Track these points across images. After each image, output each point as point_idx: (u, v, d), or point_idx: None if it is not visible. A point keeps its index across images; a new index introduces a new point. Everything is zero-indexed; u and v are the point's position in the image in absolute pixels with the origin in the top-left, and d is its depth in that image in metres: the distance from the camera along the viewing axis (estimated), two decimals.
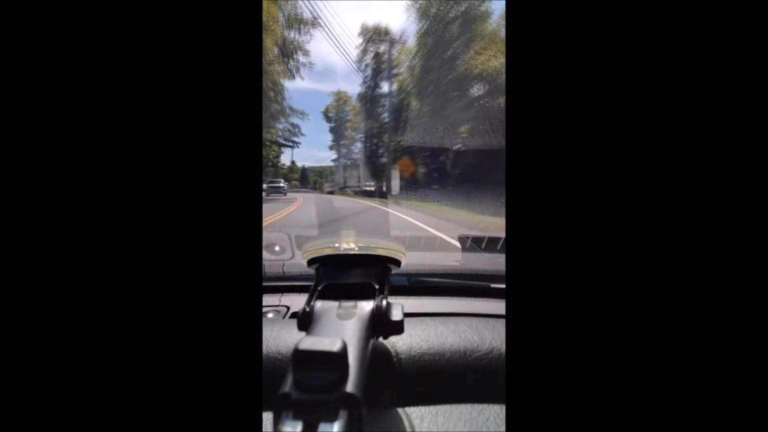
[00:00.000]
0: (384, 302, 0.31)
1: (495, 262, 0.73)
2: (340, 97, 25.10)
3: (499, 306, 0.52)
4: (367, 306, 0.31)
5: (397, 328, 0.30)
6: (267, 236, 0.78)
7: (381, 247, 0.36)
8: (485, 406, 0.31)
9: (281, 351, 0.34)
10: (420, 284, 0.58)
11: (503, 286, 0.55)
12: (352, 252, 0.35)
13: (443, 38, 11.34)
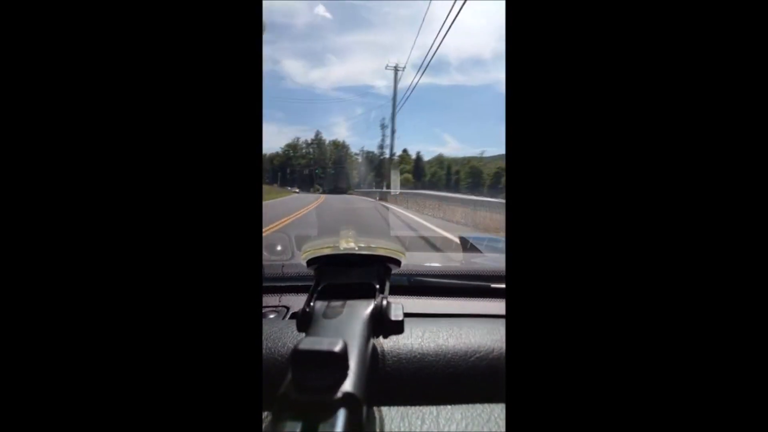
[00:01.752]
0: (384, 302, 0.31)
1: (495, 262, 0.72)
2: None
3: (499, 306, 0.51)
4: (367, 306, 0.31)
5: (397, 327, 0.30)
6: (267, 236, 0.78)
7: (381, 247, 0.36)
8: (486, 406, 0.31)
9: (281, 351, 0.34)
10: (420, 284, 0.58)
11: (503, 286, 0.55)
12: (351, 252, 0.35)
13: None
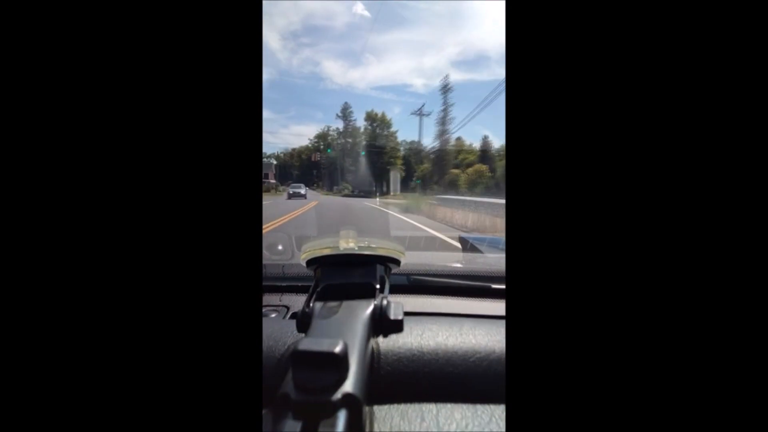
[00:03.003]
0: (384, 302, 0.31)
1: (496, 262, 0.72)
2: None
3: (499, 306, 0.51)
4: (366, 306, 0.31)
5: (397, 327, 0.30)
6: (267, 236, 0.77)
7: (380, 247, 0.36)
8: (485, 406, 0.31)
9: (281, 351, 0.34)
10: (420, 284, 0.57)
11: (503, 286, 0.55)
12: (351, 252, 0.35)
13: None
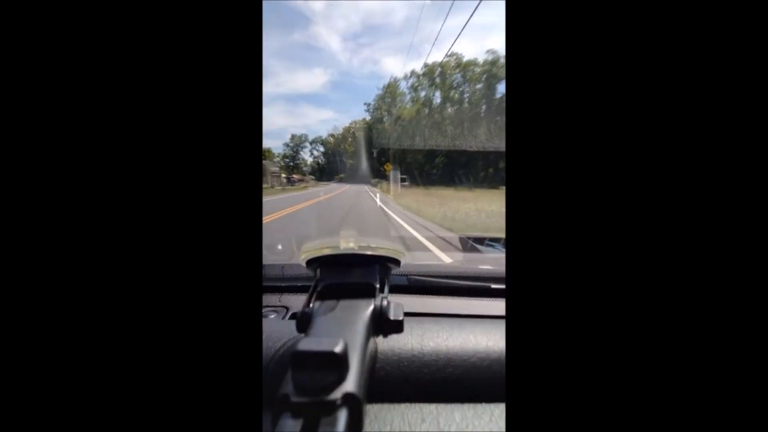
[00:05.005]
0: (384, 302, 0.31)
1: (496, 262, 0.72)
2: None
3: (499, 306, 0.51)
4: (366, 306, 0.31)
5: (397, 327, 0.30)
6: (267, 236, 0.76)
7: (381, 247, 0.36)
8: (486, 406, 0.31)
9: (281, 351, 0.34)
10: (420, 284, 0.57)
11: (504, 286, 0.55)
12: (351, 252, 0.35)
13: None
